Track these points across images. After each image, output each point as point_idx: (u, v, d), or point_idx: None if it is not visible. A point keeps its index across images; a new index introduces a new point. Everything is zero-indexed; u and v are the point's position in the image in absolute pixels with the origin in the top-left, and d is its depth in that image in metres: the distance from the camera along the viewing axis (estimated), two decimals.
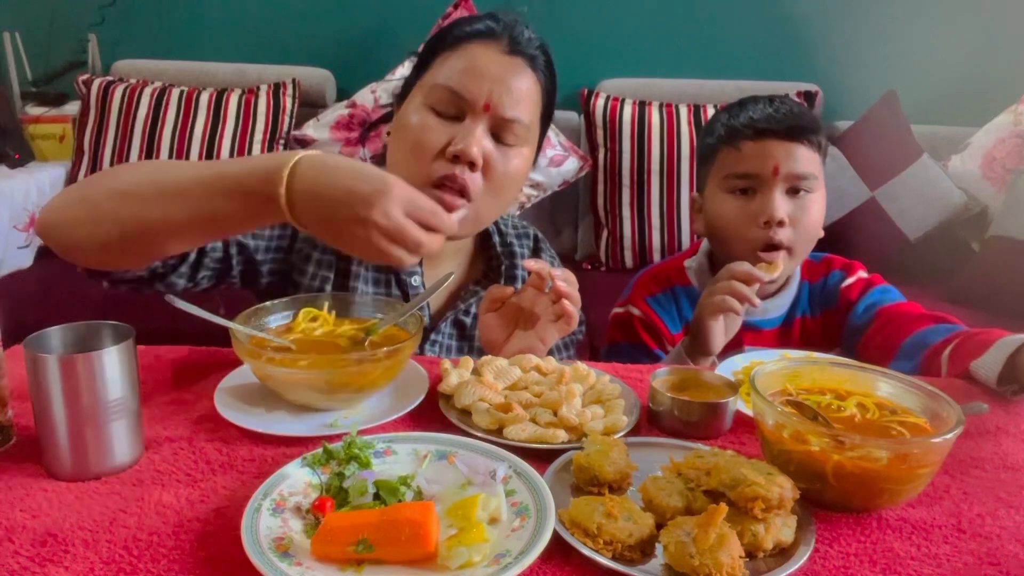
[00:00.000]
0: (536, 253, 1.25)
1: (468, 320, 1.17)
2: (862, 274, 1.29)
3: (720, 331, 1.12)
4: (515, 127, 1.03)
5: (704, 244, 1.33)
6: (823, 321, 1.28)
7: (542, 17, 2.94)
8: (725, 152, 1.20)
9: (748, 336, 1.24)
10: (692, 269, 1.32)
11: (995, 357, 0.95)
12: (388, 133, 1.13)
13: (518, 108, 1.03)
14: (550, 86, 1.10)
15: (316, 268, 1.12)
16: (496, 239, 1.21)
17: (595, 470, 0.70)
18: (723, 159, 1.20)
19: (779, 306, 1.27)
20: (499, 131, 1.03)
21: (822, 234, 1.22)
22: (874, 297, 1.24)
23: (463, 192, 1.01)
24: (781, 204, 1.15)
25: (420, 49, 1.11)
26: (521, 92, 1.03)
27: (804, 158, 1.16)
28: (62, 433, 0.71)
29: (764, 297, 1.25)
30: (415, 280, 1.14)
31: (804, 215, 1.17)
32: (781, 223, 1.15)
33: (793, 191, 1.17)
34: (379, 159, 1.21)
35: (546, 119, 1.12)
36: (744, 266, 1.11)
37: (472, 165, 1.00)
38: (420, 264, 1.15)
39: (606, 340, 1.35)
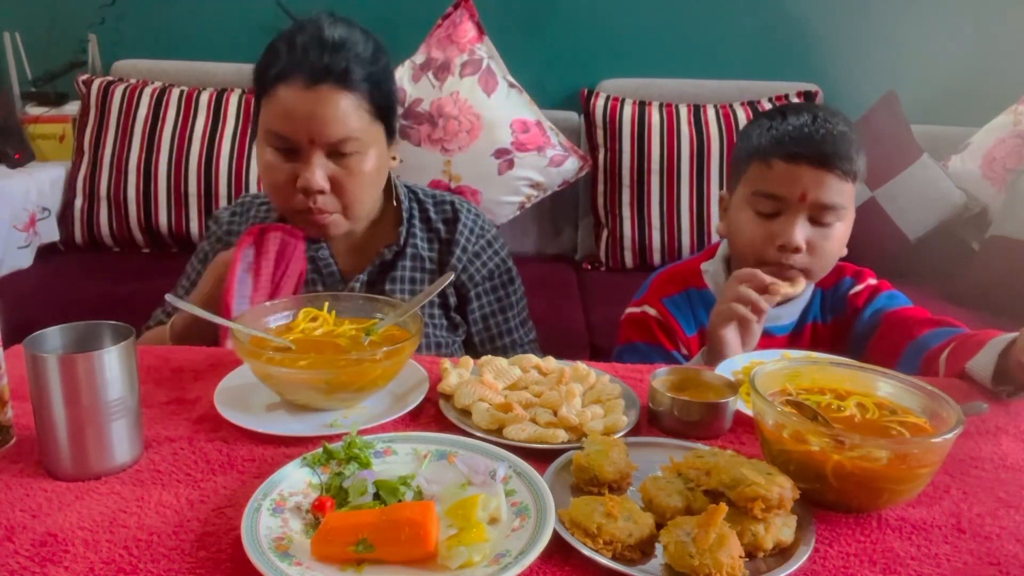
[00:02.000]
0: (454, 222, 1.28)
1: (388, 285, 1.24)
2: (871, 281, 1.28)
3: (734, 339, 1.10)
4: (348, 143, 1.11)
5: (722, 249, 1.32)
6: (833, 328, 1.28)
7: (542, 17, 2.93)
8: (756, 166, 1.17)
9: (760, 342, 1.23)
10: (709, 273, 1.31)
11: (987, 356, 0.95)
12: None
13: (341, 127, 1.10)
14: (369, 80, 1.12)
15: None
16: (407, 204, 1.26)
17: (595, 470, 0.70)
18: (754, 172, 1.18)
19: (791, 313, 1.26)
20: (335, 150, 1.11)
21: (845, 252, 1.21)
22: (880, 303, 1.24)
23: (323, 213, 1.13)
24: (801, 231, 1.13)
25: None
26: (336, 115, 1.09)
27: (834, 188, 1.13)
28: (62, 433, 0.71)
29: (778, 303, 1.25)
30: (322, 253, 1.22)
31: (825, 242, 1.15)
32: (797, 249, 1.13)
33: (818, 220, 1.15)
34: None
35: (383, 105, 1.15)
36: (761, 276, 1.10)
37: (321, 192, 1.11)
38: (326, 241, 1.22)
39: (619, 339, 1.34)
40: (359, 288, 1.22)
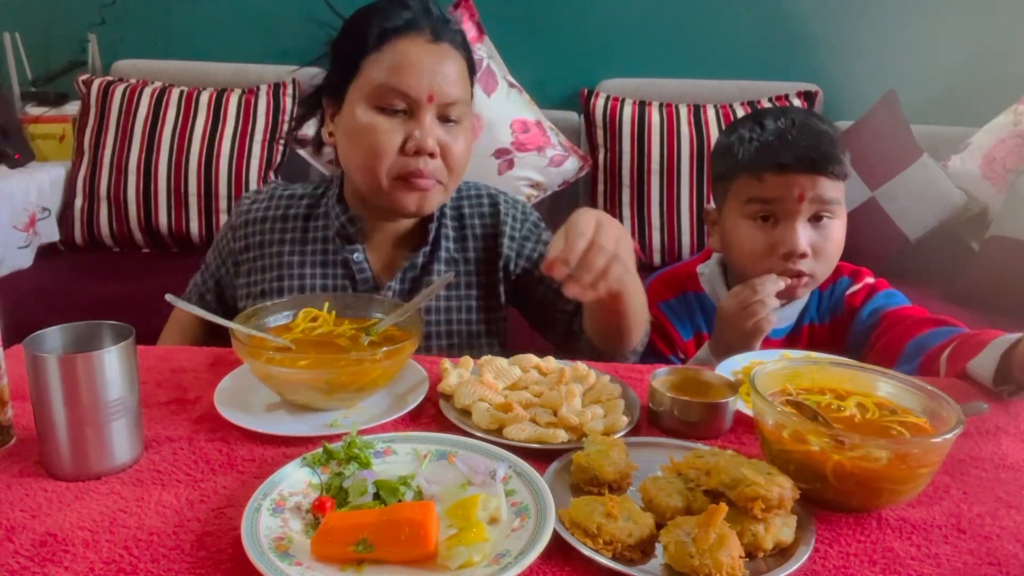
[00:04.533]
0: (494, 214, 1.22)
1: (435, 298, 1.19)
2: (868, 280, 1.28)
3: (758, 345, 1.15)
4: (457, 107, 1.09)
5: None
6: (831, 328, 1.28)
7: (542, 17, 2.93)
8: (746, 179, 1.17)
9: None
10: (705, 276, 1.31)
11: (990, 356, 0.95)
12: (331, 135, 1.16)
13: (457, 88, 1.09)
14: (469, 56, 1.15)
15: (260, 272, 1.19)
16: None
17: (595, 470, 0.70)
18: (744, 185, 1.18)
19: (787, 316, 1.26)
20: (445, 114, 1.09)
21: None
22: (878, 302, 1.24)
23: (430, 178, 1.09)
24: (803, 235, 1.14)
25: (329, 50, 1.16)
26: (455, 74, 1.09)
27: (827, 186, 1.14)
28: (62, 433, 0.71)
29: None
30: (357, 256, 1.17)
31: (826, 243, 1.16)
32: (803, 255, 1.14)
33: (815, 218, 1.15)
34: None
35: (472, 81, 1.17)
36: (781, 283, 1.13)
37: (431, 155, 1.07)
38: (361, 241, 1.18)
39: None
40: (392, 295, 1.16)
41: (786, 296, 1.19)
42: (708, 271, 1.31)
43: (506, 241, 1.20)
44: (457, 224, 1.22)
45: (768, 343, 1.23)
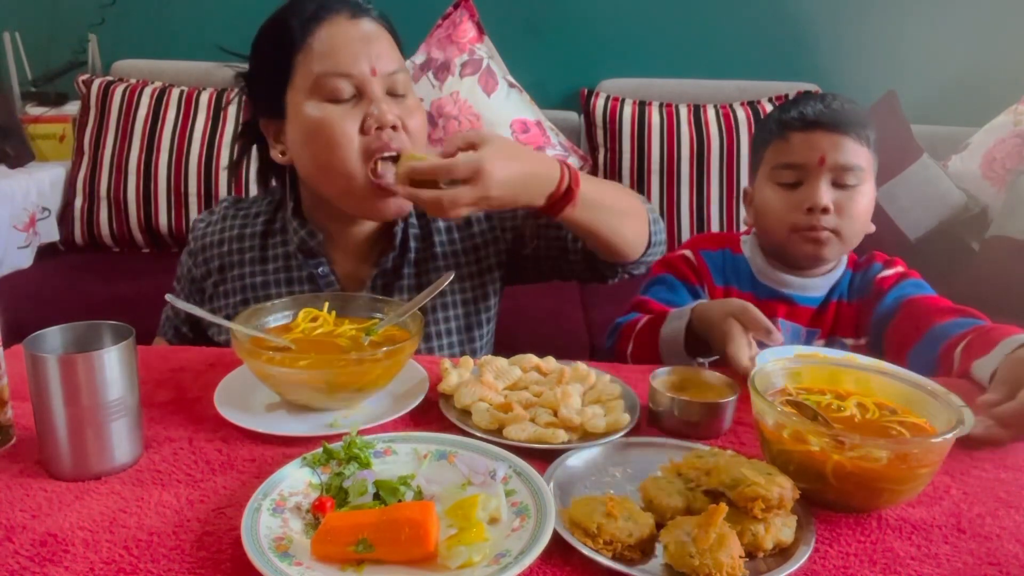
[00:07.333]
0: None
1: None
2: (900, 268, 1.30)
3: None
4: (401, 77, 1.06)
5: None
6: (857, 309, 1.29)
7: (542, 17, 2.92)
8: (775, 144, 1.23)
9: (783, 309, 1.26)
10: (747, 244, 1.35)
11: (993, 359, 0.95)
12: (282, 153, 1.11)
13: (392, 60, 1.06)
14: (392, 28, 1.11)
15: (223, 297, 1.16)
16: None
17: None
18: (773, 150, 1.24)
19: (821, 286, 1.28)
20: (392, 88, 1.05)
21: (872, 228, 1.24)
22: (905, 289, 1.25)
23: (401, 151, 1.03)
24: (826, 192, 1.18)
25: (248, 67, 1.17)
26: (386, 46, 1.06)
27: (851, 150, 1.18)
28: (62, 433, 0.71)
29: (809, 274, 1.28)
30: (322, 270, 1.13)
31: (851, 203, 1.19)
32: (826, 210, 1.17)
33: (840, 183, 1.19)
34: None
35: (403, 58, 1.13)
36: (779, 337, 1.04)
37: (394, 127, 1.03)
38: (324, 253, 1.13)
39: (650, 274, 1.34)
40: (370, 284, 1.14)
41: (813, 256, 1.22)
42: (750, 241, 1.36)
43: (484, 225, 1.18)
44: (423, 220, 1.18)
45: (794, 310, 1.26)
